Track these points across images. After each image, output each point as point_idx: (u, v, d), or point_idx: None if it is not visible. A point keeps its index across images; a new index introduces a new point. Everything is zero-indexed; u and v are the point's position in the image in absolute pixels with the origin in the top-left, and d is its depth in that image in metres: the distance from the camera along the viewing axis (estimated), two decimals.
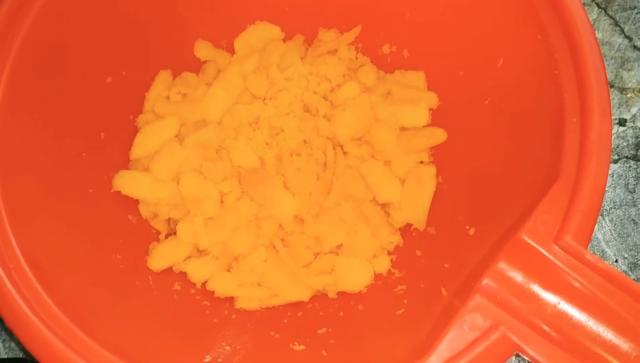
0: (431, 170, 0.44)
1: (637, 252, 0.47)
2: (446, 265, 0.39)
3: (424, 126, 0.44)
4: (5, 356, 0.43)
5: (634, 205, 0.48)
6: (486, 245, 0.36)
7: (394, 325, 0.38)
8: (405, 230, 0.44)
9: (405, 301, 0.39)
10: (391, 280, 0.42)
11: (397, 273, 0.42)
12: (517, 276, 0.30)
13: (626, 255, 0.47)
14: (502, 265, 0.31)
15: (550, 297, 0.30)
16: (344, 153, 0.44)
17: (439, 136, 0.44)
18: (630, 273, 0.47)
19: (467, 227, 0.39)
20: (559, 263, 0.30)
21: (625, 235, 0.47)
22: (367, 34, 0.46)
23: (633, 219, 0.48)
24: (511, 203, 0.36)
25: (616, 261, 0.47)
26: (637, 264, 0.47)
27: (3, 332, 0.44)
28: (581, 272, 0.30)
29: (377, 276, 0.43)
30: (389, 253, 0.44)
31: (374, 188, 0.43)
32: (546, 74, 0.34)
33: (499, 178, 0.39)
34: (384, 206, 0.44)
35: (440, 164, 0.44)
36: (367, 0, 0.45)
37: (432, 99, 0.44)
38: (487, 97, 0.40)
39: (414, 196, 0.43)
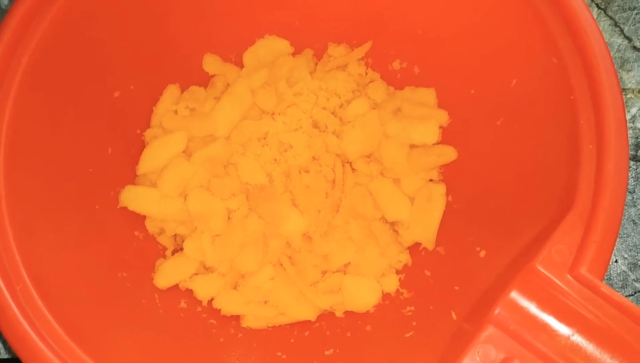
0: (441, 189, 0.43)
1: (637, 252, 0.47)
2: (456, 288, 0.38)
3: (434, 144, 0.44)
4: (6, 357, 0.43)
5: (634, 205, 0.48)
6: (497, 268, 0.35)
7: (403, 349, 0.37)
8: (414, 249, 0.44)
9: (414, 323, 0.39)
10: (399, 301, 0.42)
11: (405, 293, 0.42)
12: (531, 307, 0.30)
13: (626, 255, 0.47)
14: (515, 295, 0.30)
15: (563, 329, 0.29)
16: (353, 170, 0.44)
17: (449, 154, 0.43)
18: (630, 274, 0.47)
19: (478, 249, 0.39)
20: (574, 295, 0.29)
21: (625, 235, 0.47)
22: (377, 49, 0.46)
23: (633, 220, 0.48)
24: (523, 227, 0.35)
25: (616, 261, 0.47)
26: (637, 264, 0.47)
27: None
28: (596, 304, 0.29)
29: (385, 296, 0.42)
30: (398, 272, 0.43)
31: (383, 206, 0.43)
32: (562, 99, 0.34)
33: (511, 200, 0.38)
34: (392, 224, 0.44)
35: (450, 183, 0.44)
36: (378, 15, 0.44)
37: (443, 117, 0.44)
38: (499, 118, 0.40)
39: (423, 214, 0.43)
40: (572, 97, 0.33)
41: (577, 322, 0.29)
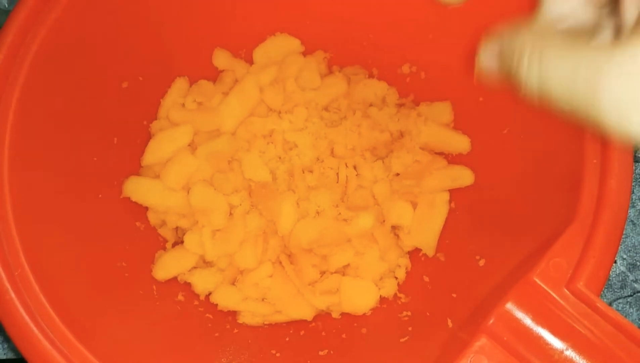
0: (444, 196, 0.43)
1: (636, 253, 0.47)
2: (453, 295, 0.38)
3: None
4: (4, 357, 0.43)
5: (632, 206, 0.48)
6: (495, 278, 0.35)
7: (397, 353, 0.37)
8: (414, 255, 0.44)
9: (410, 328, 0.39)
10: (396, 305, 0.42)
11: (403, 298, 0.42)
12: (526, 319, 0.30)
13: (625, 256, 0.47)
14: (510, 306, 0.30)
15: (557, 343, 0.29)
16: (357, 174, 0.44)
17: (465, 178, 0.43)
18: (629, 274, 0.47)
19: (477, 257, 0.39)
20: (569, 309, 0.29)
21: (624, 236, 0.47)
22: (388, 52, 0.46)
23: (632, 221, 0.48)
24: (523, 238, 0.35)
25: (615, 262, 0.47)
26: (636, 265, 0.47)
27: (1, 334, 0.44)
28: (591, 320, 0.29)
29: (383, 300, 0.42)
30: (396, 277, 0.43)
31: (385, 210, 0.43)
32: None
33: (513, 209, 0.38)
34: (394, 228, 0.44)
35: (453, 190, 0.43)
36: (389, 18, 0.44)
37: (464, 144, 0.43)
38: (505, 127, 0.39)
39: (425, 221, 0.43)
40: None
41: (571, 337, 0.29)
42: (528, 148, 0.38)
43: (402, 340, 0.38)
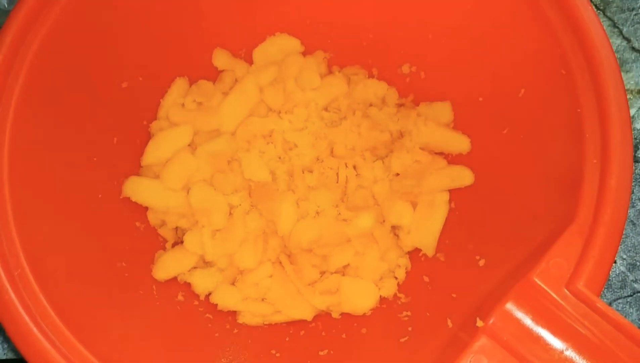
0: (444, 196, 0.43)
1: (636, 253, 0.47)
2: (453, 295, 0.38)
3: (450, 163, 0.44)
4: (4, 357, 0.43)
5: (632, 206, 0.48)
6: (495, 278, 0.35)
7: (397, 353, 0.37)
8: (414, 255, 0.43)
9: (410, 328, 0.39)
10: (396, 305, 0.42)
11: (403, 298, 0.42)
12: (525, 319, 0.30)
13: (624, 256, 0.47)
14: (510, 306, 0.30)
15: (557, 343, 0.29)
16: (357, 174, 0.44)
17: (464, 178, 0.42)
18: (629, 274, 0.47)
19: (477, 257, 0.39)
20: (569, 309, 0.29)
21: (623, 236, 0.47)
22: (388, 51, 0.46)
23: (631, 221, 0.48)
24: (523, 238, 0.35)
25: (615, 262, 0.47)
26: (636, 265, 0.47)
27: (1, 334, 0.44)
28: (591, 320, 0.29)
29: (383, 300, 0.42)
30: (396, 277, 0.43)
31: (385, 210, 0.43)
32: (568, 112, 0.34)
33: (513, 209, 0.38)
34: (393, 228, 0.44)
35: (453, 190, 0.43)
36: (389, 18, 0.44)
37: (464, 144, 0.43)
38: (505, 127, 0.39)
39: (424, 221, 0.43)
40: (578, 110, 0.33)
41: (571, 337, 0.29)
42: (528, 148, 0.37)
43: (402, 340, 0.38)
